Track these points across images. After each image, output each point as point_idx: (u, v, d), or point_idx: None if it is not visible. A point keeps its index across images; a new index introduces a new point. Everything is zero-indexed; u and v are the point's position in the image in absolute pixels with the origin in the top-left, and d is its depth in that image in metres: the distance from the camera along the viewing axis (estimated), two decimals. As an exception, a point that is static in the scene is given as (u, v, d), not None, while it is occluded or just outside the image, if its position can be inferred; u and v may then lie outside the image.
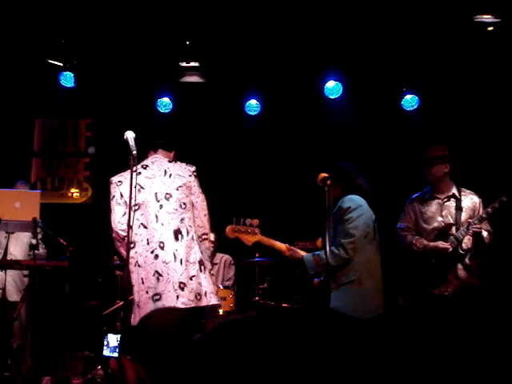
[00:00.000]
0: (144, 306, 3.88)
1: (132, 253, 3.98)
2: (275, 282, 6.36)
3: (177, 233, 4.01)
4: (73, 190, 7.98)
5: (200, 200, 4.25)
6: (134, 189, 3.89)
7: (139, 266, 3.98)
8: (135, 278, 3.98)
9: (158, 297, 3.86)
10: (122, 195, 4.10)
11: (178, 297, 3.85)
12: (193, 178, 4.23)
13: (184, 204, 4.11)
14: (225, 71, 7.19)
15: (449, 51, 6.58)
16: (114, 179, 4.18)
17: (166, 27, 6.36)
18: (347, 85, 7.13)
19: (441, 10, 5.96)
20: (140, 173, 4.10)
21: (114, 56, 6.91)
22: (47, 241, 6.02)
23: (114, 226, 4.10)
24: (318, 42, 6.63)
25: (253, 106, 7.43)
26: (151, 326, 1.81)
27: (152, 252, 3.92)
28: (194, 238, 4.09)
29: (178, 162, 4.30)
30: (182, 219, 4.07)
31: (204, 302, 3.96)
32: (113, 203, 4.14)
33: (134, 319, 3.93)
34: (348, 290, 4.06)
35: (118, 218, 4.08)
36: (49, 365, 6.23)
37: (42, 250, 6.05)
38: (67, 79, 7.09)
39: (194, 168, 4.28)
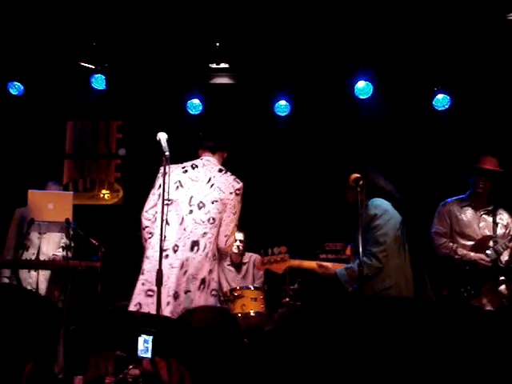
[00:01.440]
0: (136, 296, 3.94)
1: (147, 244, 4.03)
2: (305, 283, 6.31)
3: (194, 244, 4.00)
4: (104, 192, 8.05)
5: (228, 220, 4.17)
6: (173, 185, 3.91)
7: (147, 257, 4.03)
8: (142, 267, 4.06)
9: (151, 293, 3.87)
10: (159, 186, 4.08)
11: (168, 303, 3.83)
12: (233, 195, 4.17)
13: (213, 219, 4.07)
14: (254, 72, 7.18)
15: (481, 50, 6.49)
16: (162, 169, 4.14)
17: (195, 29, 6.38)
18: (377, 85, 7.06)
19: (473, 9, 5.88)
20: (187, 171, 4.10)
21: (145, 58, 6.96)
22: (78, 241, 6.08)
23: (142, 212, 4.19)
24: (349, 42, 6.59)
25: (282, 106, 7.41)
26: (191, 325, 1.81)
27: (164, 250, 3.89)
28: (209, 255, 4.05)
29: (228, 174, 4.24)
30: (204, 233, 4.04)
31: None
32: (151, 191, 4.20)
33: (129, 305, 4.00)
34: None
35: (147, 208, 4.15)
36: (80, 364, 6.29)
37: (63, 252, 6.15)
38: (98, 81, 7.16)
39: (240, 185, 4.22)
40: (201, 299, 3.98)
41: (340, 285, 4.19)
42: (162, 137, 3.90)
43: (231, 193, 4.16)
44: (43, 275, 6.17)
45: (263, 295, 5.64)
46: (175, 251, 3.93)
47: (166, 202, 3.89)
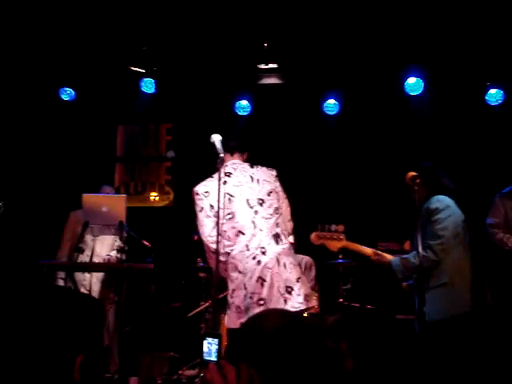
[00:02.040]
0: (248, 310, 3.81)
1: (230, 258, 3.97)
2: (359, 284, 6.26)
3: (277, 237, 3.97)
4: (153, 194, 8.13)
5: (285, 205, 4.22)
6: (223, 198, 3.88)
7: (240, 272, 3.90)
8: (235, 283, 3.91)
9: (262, 301, 3.79)
10: (212, 206, 3.99)
11: (285, 301, 3.79)
12: (277, 182, 4.20)
13: (277, 209, 4.08)
14: (303, 72, 7.15)
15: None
16: (200, 190, 4.08)
17: (244, 30, 6.38)
18: (429, 81, 6.94)
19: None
20: (226, 182, 4.04)
21: (193, 60, 7.00)
22: (131, 244, 6.14)
23: (204, 238, 4.02)
24: (399, 38, 6.49)
25: (331, 105, 7.36)
26: (262, 329, 1.78)
27: (254, 258, 3.86)
28: (288, 242, 4.06)
29: (259, 166, 4.24)
30: (277, 224, 4.03)
31: (311, 303, 3.93)
32: (201, 216, 4.03)
33: (233, 322, 3.88)
34: (440, 293, 3.93)
35: (209, 231, 3.98)
36: (135, 365, 6.36)
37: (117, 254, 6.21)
38: (148, 85, 7.23)
39: (275, 172, 4.24)
40: (306, 282, 4.04)
41: (393, 274, 4.15)
42: (216, 139, 3.89)
43: (275, 180, 4.19)
44: (96, 277, 6.26)
45: (317, 296, 5.60)
46: (264, 253, 3.90)
47: (228, 216, 3.92)
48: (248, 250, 3.88)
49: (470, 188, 6.15)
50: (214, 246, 3.92)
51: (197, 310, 6.12)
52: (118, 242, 6.29)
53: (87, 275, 6.23)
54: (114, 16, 6.25)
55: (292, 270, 3.91)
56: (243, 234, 3.88)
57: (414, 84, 6.99)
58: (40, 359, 1.43)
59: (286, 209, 4.21)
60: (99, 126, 7.91)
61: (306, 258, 6.53)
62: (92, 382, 1.53)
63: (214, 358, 1.97)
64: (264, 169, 4.23)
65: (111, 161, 8.21)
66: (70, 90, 7.37)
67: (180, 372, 5.94)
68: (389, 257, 4.24)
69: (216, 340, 1.98)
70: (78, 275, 5.99)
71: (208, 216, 4.01)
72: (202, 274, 6.18)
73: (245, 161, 4.30)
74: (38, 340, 1.45)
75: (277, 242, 3.96)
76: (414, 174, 4.03)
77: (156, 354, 6.40)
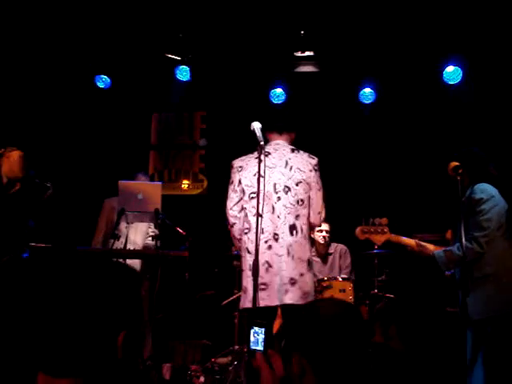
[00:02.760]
0: (251, 292, 3.81)
1: (245, 238, 3.99)
2: (394, 274, 6.19)
3: (292, 228, 3.95)
4: (186, 182, 8.15)
5: (317, 197, 4.11)
6: (253, 177, 3.90)
7: (249, 252, 3.94)
8: (244, 263, 3.99)
9: (264, 286, 3.83)
10: (240, 182, 4.08)
11: (286, 291, 3.81)
12: (313, 172, 4.09)
13: (302, 201, 4.02)
14: (339, 60, 7.07)
15: None
16: (236, 163, 4.16)
17: (280, 17, 6.33)
18: (467, 70, 6.81)
19: None
20: (261, 160, 4.06)
21: (229, 48, 6.97)
22: (166, 231, 6.16)
23: (226, 210, 4.15)
24: (436, 26, 6.38)
25: (367, 94, 7.27)
26: (317, 317, 1.76)
27: (266, 242, 3.87)
28: (306, 236, 4.02)
29: (301, 152, 4.17)
30: (297, 215, 3.98)
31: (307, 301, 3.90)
32: (230, 188, 4.15)
33: (242, 303, 3.98)
34: (483, 285, 3.86)
35: (231, 205, 4.10)
36: (168, 352, 6.40)
37: (152, 241, 6.24)
38: (183, 73, 7.23)
39: (315, 161, 4.13)
40: (310, 281, 3.99)
41: (437, 267, 4.09)
42: (256, 126, 3.85)
43: (311, 170, 4.09)
44: (131, 264, 6.30)
45: (352, 286, 5.55)
46: (276, 240, 3.90)
47: (252, 195, 3.91)
48: (263, 233, 3.86)
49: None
50: (232, 220, 4.09)
51: (230, 299, 6.12)
52: (153, 230, 6.33)
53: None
54: (150, 3, 6.25)
55: (299, 264, 3.90)
56: (261, 216, 3.83)
57: (452, 73, 6.87)
58: (83, 336, 1.43)
59: (316, 201, 4.12)
60: (134, 114, 7.94)
61: (340, 246, 6.50)
62: (133, 360, 1.53)
63: (260, 347, 1.95)
64: (305, 156, 4.15)
65: (146, 148, 8.25)
66: (105, 78, 7.40)
67: (213, 360, 5.95)
68: (432, 247, 4.18)
69: (262, 329, 1.96)
70: (113, 262, 6.03)
71: (234, 190, 4.11)
72: (235, 263, 6.17)
73: (291, 142, 4.27)
74: (81, 316, 1.44)
75: (291, 233, 3.94)
76: (456, 163, 3.94)
77: (189, 342, 6.43)
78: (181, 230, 6.00)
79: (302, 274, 3.90)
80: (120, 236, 6.05)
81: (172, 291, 6.41)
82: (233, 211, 4.10)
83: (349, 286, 5.49)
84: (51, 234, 5.62)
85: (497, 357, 3.77)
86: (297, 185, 4.04)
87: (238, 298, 6.05)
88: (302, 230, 3.99)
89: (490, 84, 6.90)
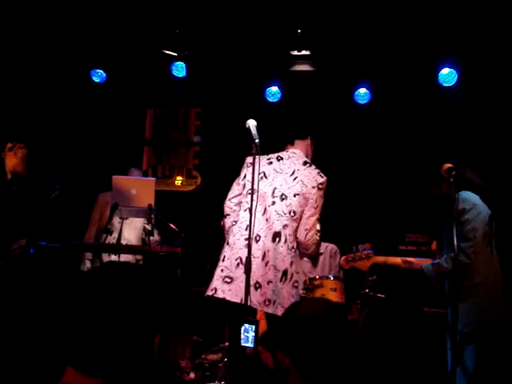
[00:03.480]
0: (214, 281, 3.97)
1: (230, 230, 4.08)
2: (385, 275, 6.21)
3: (276, 235, 3.98)
4: (180, 178, 8.14)
5: (309, 214, 4.12)
6: (257, 176, 3.90)
7: (228, 244, 4.03)
8: (221, 253, 4.06)
9: (228, 280, 3.90)
10: (245, 176, 4.17)
11: (249, 293, 3.80)
12: (315, 190, 4.11)
13: (294, 212, 4.05)
14: (335, 59, 7.07)
15: None
16: (248, 159, 4.21)
17: (277, 16, 6.33)
18: (462, 72, 6.83)
19: None
20: (271, 162, 4.13)
21: (225, 45, 6.96)
22: (160, 227, 6.17)
23: (225, 201, 4.25)
24: (432, 28, 6.40)
25: (362, 94, 7.29)
26: (297, 316, 1.78)
27: (246, 239, 3.86)
28: (290, 247, 4.02)
29: (312, 167, 4.20)
30: (285, 225, 4.02)
31: (270, 310, 3.89)
32: (235, 181, 4.26)
33: (208, 289, 4.03)
34: (474, 294, 3.87)
35: (230, 196, 4.22)
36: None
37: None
38: (179, 69, 7.22)
39: (323, 180, 4.15)
40: (283, 291, 3.96)
41: (426, 280, 4.11)
42: (252, 124, 3.86)
43: (314, 187, 4.11)
44: (123, 260, 6.30)
45: (343, 285, 5.57)
46: (257, 241, 3.93)
47: (249, 191, 3.90)
48: (246, 229, 3.87)
49: (501, 181, 6.07)
50: (226, 210, 4.20)
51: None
52: (147, 225, 6.33)
53: (114, 257, 6.27)
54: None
55: (269, 271, 3.91)
56: (250, 213, 3.86)
57: (447, 75, 6.89)
58: (121, 338, 1.44)
59: (307, 217, 4.12)
60: (129, 109, 7.93)
61: (330, 246, 6.50)
62: (167, 363, 1.56)
63: (250, 344, 1.97)
64: (314, 172, 4.18)
65: (140, 144, 8.24)
66: (101, 72, 7.39)
67: (203, 356, 5.96)
68: (418, 262, 4.18)
69: (253, 326, 1.98)
70: (105, 257, 6.03)
71: (238, 183, 4.22)
72: (228, 260, 6.17)
73: (308, 148, 4.34)
74: (120, 318, 1.45)
75: (273, 240, 3.97)
76: (449, 165, 3.94)
77: (179, 338, 6.43)
78: (174, 226, 6.00)
79: (269, 282, 3.90)
80: (113, 231, 6.06)
81: (165, 287, 6.40)
82: (230, 202, 4.19)
83: (340, 286, 5.50)
84: (53, 230, 5.62)
85: (485, 365, 3.79)
86: (294, 196, 4.07)
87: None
88: (285, 240, 3.99)
89: (485, 86, 6.92)
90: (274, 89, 7.40)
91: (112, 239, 6.22)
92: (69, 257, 6.02)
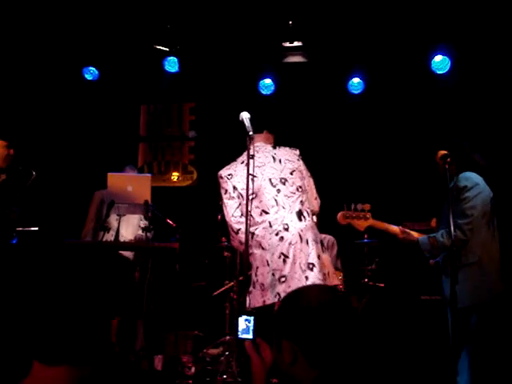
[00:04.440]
0: (270, 288, 3.86)
1: (254, 237, 3.99)
2: (384, 264, 6.23)
3: (299, 214, 4.01)
4: (176, 174, 8.13)
5: (311, 183, 4.25)
6: (251, 168, 3.90)
7: (263, 248, 3.96)
8: (259, 260, 3.96)
9: (284, 279, 3.84)
10: (235, 188, 4.10)
11: (307, 278, 3.81)
12: (300, 161, 4.22)
13: (300, 187, 4.11)
14: (328, 50, 7.06)
15: None
16: (223, 173, 4.15)
17: (268, 8, 6.31)
18: (455, 59, 6.82)
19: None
20: (248, 163, 4.09)
21: (217, 39, 6.95)
22: (156, 223, 6.16)
23: (228, 219, 4.10)
24: (424, 16, 6.39)
25: (356, 84, 7.28)
26: (303, 304, 1.78)
27: (277, 234, 3.91)
28: (312, 219, 4.08)
29: (282, 147, 4.26)
30: (301, 201, 4.07)
31: (329, 282, 3.93)
32: (225, 198, 4.13)
33: (257, 301, 3.92)
34: (468, 273, 3.89)
35: (232, 212, 4.08)
36: (160, 344, 6.40)
37: (148, 233, 6.22)
38: (171, 64, 7.20)
39: (298, 151, 4.26)
40: (326, 261, 4.05)
41: (420, 253, 4.12)
42: (245, 116, 3.86)
43: (298, 160, 4.21)
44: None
45: (342, 275, 5.59)
46: (287, 229, 3.93)
47: (250, 196, 3.88)
48: (271, 226, 3.93)
49: (499, 165, 6.08)
50: (236, 227, 4.04)
51: (222, 290, 6.14)
52: (144, 222, 6.32)
53: (112, 254, 6.28)
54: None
55: (314, 246, 3.93)
56: (267, 212, 3.91)
57: (440, 62, 6.88)
58: (76, 323, 1.44)
59: (311, 187, 4.25)
60: (123, 106, 7.91)
61: (328, 237, 6.50)
62: (127, 345, 1.57)
63: (250, 335, 1.97)
64: (287, 148, 4.26)
65: (135, 140, 8.22)
66: (93, 70, 7.36)
67: (204, 350, 5.97)
68: (416, 235, 4.21)
69: (251, 318, 1.98)
70: (103, 254, 6.02)
71: (231, 197, 4.11)
72: (226, 254, 6.19)
73: (271, 143, 4.32)
74: (75, 302, 1.45)
75: (300, 219, 3.99)
76: (444, 152, 3.97)
77: (181, 333, 6.43)
78: (171, 222, 6.00)
79: (318, 256, 3.93)
80: (110, 228, 6.05)
81: (163, 283, 6.41)
82: (235, 218, 4.08)
83: (339, 276, 5.51)
84: (38, 222, 5.61)
85: (482, 344, 3.80)
86: (291, 174, 4.11)
87: (230, 289, 6.09)
88: (308, 214, 4.05)
89: (478, 73, 6.91)
90: (268, 81, 7.39)
91: (110, 236, 6.21)
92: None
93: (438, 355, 4.84)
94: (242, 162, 4.14)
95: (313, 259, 3.87)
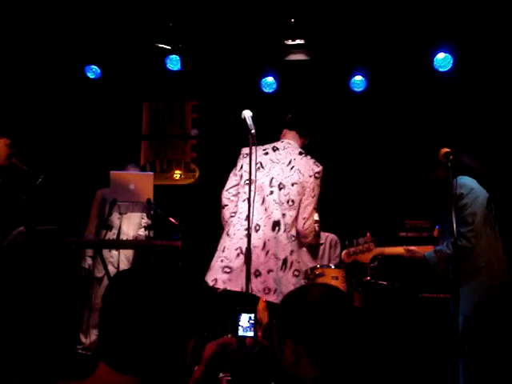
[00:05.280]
0: (214, 271, 3.98)
1: (229, 221, 4.07)
2: (386, 262, 6.20)
3: (275, 224, 4.01)
4: (178, 172, 8.13)
5: (307, 203, 4.17)
6: (254, 166, 3.91)
7: (228, 235, 4.04)
8: (220, 244, 4.07)
9: (228, 270, 3.92)
10: (241, 167, 4.18)
11: (250, 281, 3.80)
12: (312, 179, 4.16)
13: (292, 201, 4.08)
14: (330, 48, 7.05)
15: None
16: (244, 150, 4.24)
17: (270, 5, 6.30)
18: (458, 57, 6.81)
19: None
20: (267, 153, 4.14)
21: (219, 37, 6.94)
22: (158, 221, 6.16)
23: (222, 192, 4.25)
24: (427, 13, 6.37)
25: (358, 82, 7.27)
26: (306, 303, 1.78)
27: (245, 230, 3.86)
28: (289, 235, 4.07)
29: (308, 157, 4.24)
30: (283, 214, 4.05)
31: (270, 299, 3.92)
32: (232, 171, 4.26)
33: (207, 280, 4.03)
34: (478, 277, 3.88)
35: (228, 186, 4.22)
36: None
37: (145, 232, 6.25)
38: (173, 62, 7.19)
39: (319, 169, 4.21)
40: (283, 279, 3.99)
41: (430, 268, 4.11)
42: (247, 114, 3.86)
43: (310, 176, 4.16)
44: (124, 254, 6.32)
45: (344, 274, 5.57)
46: (257, 230, 3.96)
47: (247, 181, 3.88)
48: (245, 220, 3.88)
49: (498, 165, 6.06)
50: (224, 202, 4.21)
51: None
52: (146, 220, 6.33)
53: (115, 252, 6.28)
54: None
55: (270, 260, 3.95)
56: (249, 204, 3.87)
57: (443, 60, 6.86)
58: (159, 338, 1.47)
59: (305, 206, 4.18)
60: (125, 104, 7.91)
61: (330, 236, 6.49)
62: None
63: (251, 332, 1.97)
64: (310, 161, 4.22)
65: (137, 138, 8.22)
66: (95, 68, 7.35)
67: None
68: (421, 250, 4.19)
69: (252, 315, 1.98)
70: (106, 252, 6.04)
71: (235, 174, 4.23)
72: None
73: (304, 147, 4.33)
74: (159, 320, 1.48)
75: (273, 229, 4.00)
76: (447, 150, 3.95)
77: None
78: (173, 220, 6.00)
79: (269, 271, 3.93)
80: (112, 227, 6.07)
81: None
82: (228, 193, 4.20)
83: (341, 274, 5.49)
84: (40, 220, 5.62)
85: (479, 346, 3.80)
86: (292, 185, 4.10)
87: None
88: (285, 229, 4.02)
89: (480, 71, 6.90)
90: (270, 79, 7.38)
91: (112, 235, 6.23)
92: (69, 253, 6.03)
93: (438, 354, 4.84)
94: (264, 150, 4.17)
95: (262, 269, 3.91)
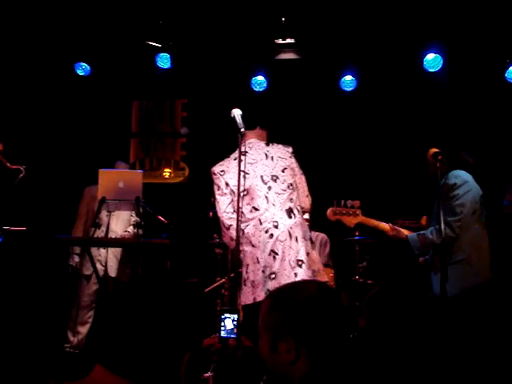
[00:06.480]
0: (261, 286, 3.84)
1: (245, 234, 3.98)
2: (375, 261, 6.24)
3: (289, 211, 4.00)
4: (167, 170, 8.11)
5: (302, 181, 4.22)
6: (249, 167, 3.93)
7: (253, 246, 3.94)
8: (249, 257, 3.95)
9: (273, 275, 3.82)
10: (227, 184, 4.08)
11: (296, 274, 3.80)
12: (293, 159, 4.19)
13: (291, 185, 4.10)
14: (320, 47, 7.06)
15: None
16: (216, 169, 4.14)
17: (261, 4, 6.30)
18: (447, 57, 6.84)
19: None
20: (241, 160, 4.09)
21: (210, 35, 6.93)
22: (147, 219, 6.15)
23: (220, 215, 4.10)
24: (417, 14, 6.40)
25: (348, 81, 7.28)
26: (294, 300, 1.77)
27: (266, 231, 3.90)
28: (300, 216, 4.07)
29: (275, 144, 4.25)
30: (291, 199, 4.06)
31: (322, 278, 3.94)
32: (217, 194, 4.12)
33: (247, 298, 3.89)
34: (456, 270, 3.90)
35: (224, 208, 4.07)
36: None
37: (134, 230, 6.23)
38: (163, 60, 7.17)
39: (291, 149, 4.24)
40: (317, 258, 4.04)
41: (410, 250, 4.13)
42: (237, 113, 3.85)
43: (290, 157, 4.19)
44: (112, 252, 6.30)
45: (332, 273, 5.60)
46: (276, 226, 3.93)
47: (242, 193, 3.87)
48: (261, 224, 3.92)
49: (488, 164, 6.10)
50: (228, 223, 4.03)
51: (213, 286, 6.13)
52: (134, 218, 6.31)
53: (103, 251, 6.26)
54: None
55: (303, 243, 3.93)
56: (257, 209, 3.91)
57: (432, 60, 6.90)
58: (157, 348, 1.47)
59: (302, 185, 4.23)
60: (114, 102, 7.89)
61: (321, 235, 6.51)
62: (194, 379, 1.56)
63: (233, 334, 1.96)
64: (280, 146, 4.24)
65: (126, 136, 8.19)
66: (85, 65, 7.33)
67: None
68: (406, 232, 4.22)
69: (235, 316, 1.97)
70: (94, 251, 6.00)
71: (223, 194, 4.10)
72: (218, 250, 6.18)
73: (266, 140, 4.32)
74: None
75: (289, 216, 3.98)
76: (436, 150, 3.99)
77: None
78: (162, 218, 5.98)
79: (307, 254, 3.93)
80: (101, 225, 6.03)
81: (156, 279, 6.39)
82: (227, 214, 4.07)
83: (330, 273, 5.52)
84: (27, 219, 5.59)
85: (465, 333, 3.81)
86: (283, 171, 4.10)
87: (221, 285, 6.08)
88: (298, 212, 4.05)
89: (470, 71, 6.94)
90: (260, 78, 7.38)
91: (100, 233, 6.21)
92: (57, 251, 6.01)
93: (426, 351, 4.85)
94: (235, 159, 4.12)
95: (302, 256, 3.87)
